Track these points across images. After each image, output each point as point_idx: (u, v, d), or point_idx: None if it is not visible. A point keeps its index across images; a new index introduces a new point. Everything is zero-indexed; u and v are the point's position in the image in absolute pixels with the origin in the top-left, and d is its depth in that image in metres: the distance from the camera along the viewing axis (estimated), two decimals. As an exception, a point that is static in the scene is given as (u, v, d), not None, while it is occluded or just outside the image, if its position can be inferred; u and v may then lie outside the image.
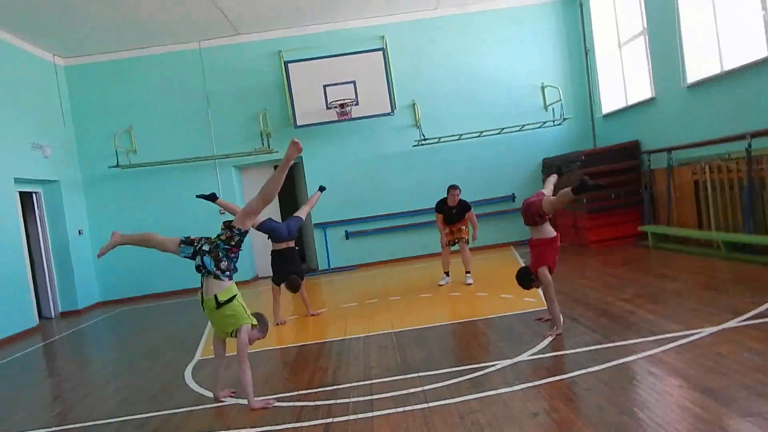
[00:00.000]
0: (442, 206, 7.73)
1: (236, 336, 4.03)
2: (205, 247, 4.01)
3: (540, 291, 5.58)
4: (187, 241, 4.06)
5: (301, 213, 7.04)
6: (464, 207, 7.65)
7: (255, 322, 4.13)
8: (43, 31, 9.38)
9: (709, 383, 3.33)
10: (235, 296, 4.04)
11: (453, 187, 7.63)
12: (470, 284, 7.59)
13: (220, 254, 3.99)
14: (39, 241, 9.81)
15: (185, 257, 4.07)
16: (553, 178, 5.56)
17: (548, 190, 5.28)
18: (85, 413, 4.43)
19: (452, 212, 7.67)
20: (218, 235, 4.05)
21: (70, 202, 10.33)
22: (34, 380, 5.91)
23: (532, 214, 4.92)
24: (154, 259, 9.99)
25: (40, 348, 7.55)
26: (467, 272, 7.75)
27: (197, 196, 6.52)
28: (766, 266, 6.28)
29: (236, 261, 4.10)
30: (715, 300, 5.18)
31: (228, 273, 4.04)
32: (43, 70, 10.19)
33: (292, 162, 3.95)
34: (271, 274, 6.91)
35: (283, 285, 6.72)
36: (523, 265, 5.73)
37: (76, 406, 4.70)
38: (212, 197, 6.38)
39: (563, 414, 3.21)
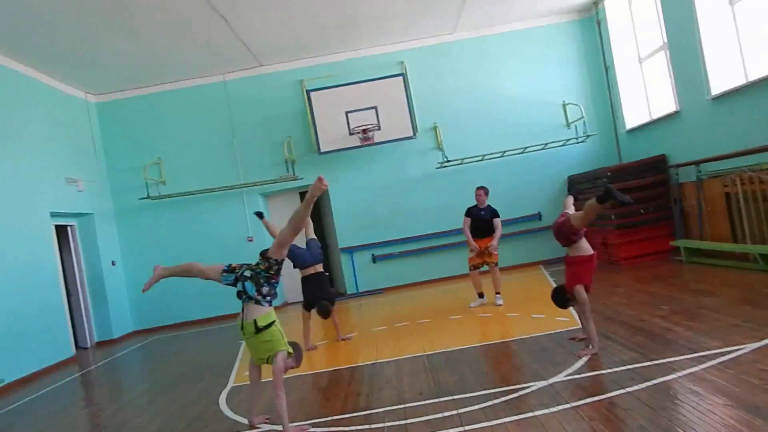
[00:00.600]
0: (470, 209, 7.85)
1: (272, 362, 4.07)
2: (246, 273, 4.10)
3: (573, 310, 5.50)
4: (230, 269, 4.16)
5: (311, 234, 7.13)
6: (492, 211, 7.74)
7: (291, 350, 4.17)
8: (75, 71, 9.76)
9: (755, 401, 3.24)
10: (273, 322, 4.10)
11: (479, 188, 7.87)
12: (500, 305, 7.53)
13: (261, 280, 4.08)
14: (74, 272, 10.04)
15: (227, 284, 4.16)
16: (570, 200, 5.55)
17: (570, 210, 5.25)
18: (123, 442, 4.49)
19: (480, 214, 7.73)
20: (257, 264, 4.15)
21: (103, 233, 10.60)
22: (73, 409, 6.02)
23: (566, 234, 4.90)
24: (185, 287, 10.25)
25: (78, 378, 7.68)
26: (497, 293, 7.69)
27: (254, 213, 7.60)
28: (806, 278, 6.12)
29: (276, 286, 4.18)
30: (756, 314, 5.05)
31: (269, 298, 4.11)
32: (75, 107, 10.57)
33: (316, 198, 4.04)
34: (301, 300, 6.94)
35: (313, 311, 6.74)
36: (554, 283, 5.67)
37: (114, 435, 4.77)
38: (260, 215, 7.29)
39: (604, 435, 3.15)
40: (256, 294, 4.06)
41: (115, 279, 10.70)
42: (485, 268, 7.77)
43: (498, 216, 7.74)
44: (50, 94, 9.79)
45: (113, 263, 10.75)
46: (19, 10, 7.31)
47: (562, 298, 5.03)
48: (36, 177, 8.87)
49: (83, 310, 10.03)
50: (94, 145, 10.92)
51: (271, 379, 4.07)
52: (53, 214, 9.28)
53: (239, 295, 4.12)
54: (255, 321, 4.04)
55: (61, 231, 9.89)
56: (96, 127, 11.09)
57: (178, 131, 11.25)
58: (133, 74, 10.49)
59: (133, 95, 11.22)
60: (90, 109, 10.98)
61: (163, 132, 11.24)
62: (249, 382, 4.39)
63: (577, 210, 5.37)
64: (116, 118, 11.24)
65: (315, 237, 7.15)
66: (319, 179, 3.96)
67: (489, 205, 7.79)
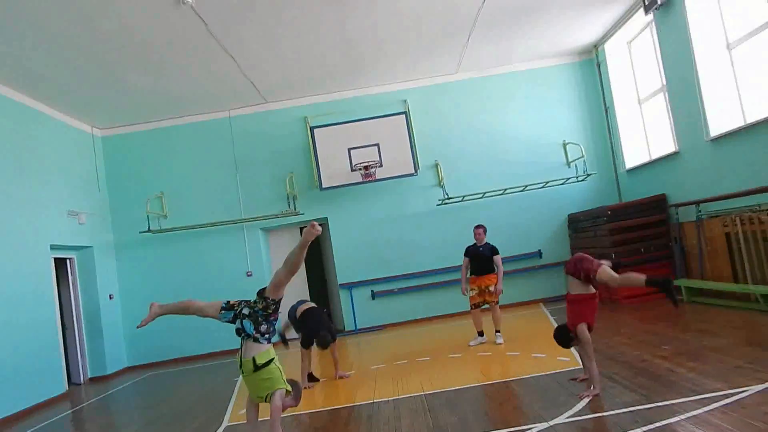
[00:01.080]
0: (469, 248, 7.87)
1: (270, 400, 4.00)
2: (245, 311, 4.07)
3: (574, 350, 5.43)
4: (228, 306, 4.13)
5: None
6: (491, 248, 7.73)
7: (290, 388, 4.10)
8: (83, 105, 9.92)
9: (761, 446, 3.17)
10: (272, 360, 4.05)
11: (477, 226, 7.91)
12: (501, 343, 7.44)
13: (260, 319, 4.04)
14: (71, 306, 9.94)
15: (226, 321, 4.12)
16: (608, 263, 5.18)
17: (606, 265, 5.01)
18: (113, 482, 4.37)
19: (478, 250, 7.73)
20: (255, 302, 4.12)
21: (102, 267, 10.55)
22: (63, 448, 5.87)
23: (582, 269, 4.82)
24: (181, 322, 10.02)
25: (69, 415, 7.52)
26: (497, 331, 7.61)
27: None
28: (810, 320, 6.05)
29: (275, 323, 4.15)
30: (760, 356, 4.97)
31: (267, 336, 4.07)
32: (82, 141, 10.68)
33: (309, 243, 4.01)
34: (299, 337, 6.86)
35: (312, 346, 6.64)
36: (554, 322, 5.60)
37: (104, 474, 4.64)
38: None
39: (607, 480, 3.06)
40: (254, 332, 4.02)
41: (111, 313, 10.58)
42: (487, 306, 7.72)
43: (497, 253, 7.73)
44: (59, 129, 9.90)
45: (110, 297, 10.67)
46: (30, 46, 7.47)
47: (565, 337, 4.96)
48: (38, 209, 8.88)
49: (78, 345, 9.89)
50: (98, 179, 10.99)
51: (268, 418, 3.99)
52: (53, 247, 9.25)
53: (238, 332, 4.08)
54: (254, 359, 3.99)
55: (60, 264, 9.85)
56: (100, 161, 11.17)
57: (181, 165, 11.34)
58: (140, 109, 10.64)
59: (138, 130, 11.34)
60: (96, 143, 11.09)
61: (167, 166, 11.32)
62: (245, 422, 4.30)
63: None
64: (120, 152, 11.33)
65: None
66: (312, 225, 3.95)
67: (488, 243, 7.81)
